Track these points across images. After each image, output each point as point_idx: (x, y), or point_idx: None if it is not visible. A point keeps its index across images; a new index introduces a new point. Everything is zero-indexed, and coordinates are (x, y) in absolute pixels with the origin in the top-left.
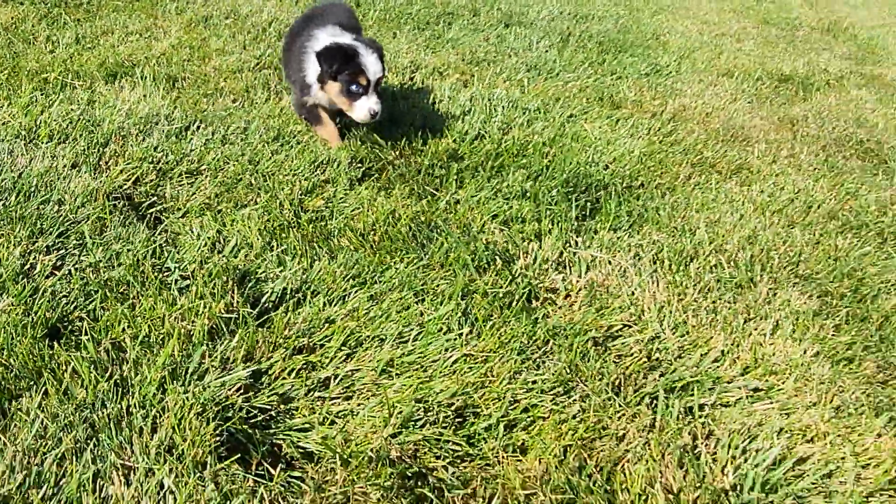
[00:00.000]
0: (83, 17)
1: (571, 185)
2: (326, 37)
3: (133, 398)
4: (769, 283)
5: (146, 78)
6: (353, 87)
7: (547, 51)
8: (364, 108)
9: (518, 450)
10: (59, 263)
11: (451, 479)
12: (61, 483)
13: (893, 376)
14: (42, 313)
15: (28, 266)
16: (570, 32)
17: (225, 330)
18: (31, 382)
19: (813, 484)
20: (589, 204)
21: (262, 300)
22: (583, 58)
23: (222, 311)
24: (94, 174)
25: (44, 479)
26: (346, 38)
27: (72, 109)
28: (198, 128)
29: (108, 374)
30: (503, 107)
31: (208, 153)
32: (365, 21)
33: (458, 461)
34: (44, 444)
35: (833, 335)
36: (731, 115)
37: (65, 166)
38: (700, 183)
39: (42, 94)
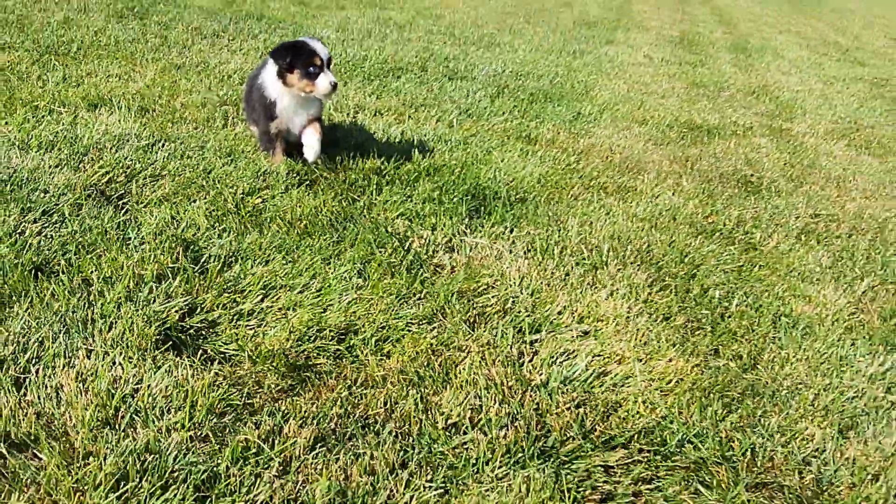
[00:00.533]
0: (70, 62)
1: (471, 195)
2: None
3: (96, 310)
4: (618, 265)
5: (122, 107)
6: (311, 69)
7: (481, 100)
8: (325, 81)
9: (384, 355)
10: (43, 231)
11: (329, 368)
12: (41, 354)
13: (697, 326)
14: (29, 257)
15: (19, 231)
16: (505, 85)
17: (170, 276)
18: (20, 298)
19: (613, 385)
20: (482, 208)
21: (202, 261)
22: (512, 105)
23: (169, 263)
24: (74, 173)
25: (30, 351)
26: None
27: (58, 128)
28: (162, 145)
29: (78, 296)
30: (428, 138)
31: (169, 163)
32: None
33: (338, 360)
34: (30, 332)
35: (657, 300)
36: (633, 152)
37: (50, 166)
38: (585, 199)
39: (33, 117)
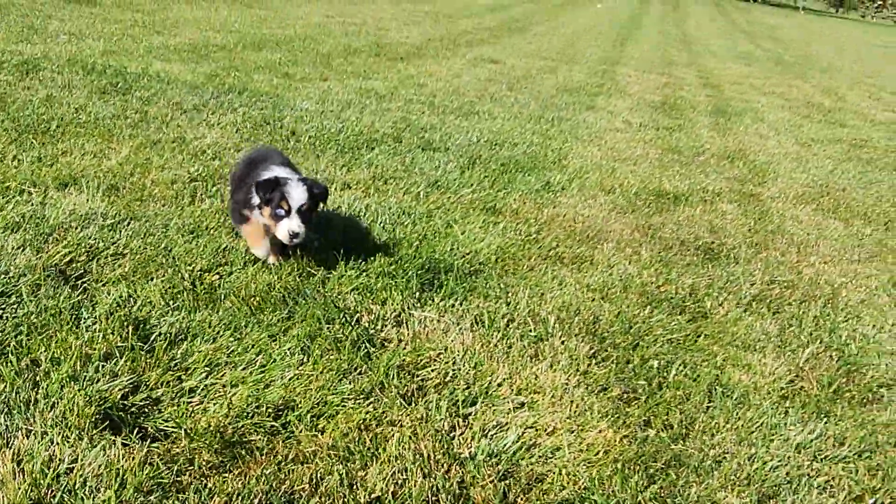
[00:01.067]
0: (48, 140)
1: (425, 268)
2: (281, 171)
3: (40, 391)
4: (563, 336)
5: (91, 186)
6: (278, 211)
7: (451, 171)
8: (284, 227)
9: (318, 431)
10: (1, 313)
11: (262, 445)
12: None
13: (633, 397)
14: None
15: None
16: (478, 155)
17: (118, 355)
18: None
19: (540, 457)
20: (435, 281)
21: (151, 338)
22: (482, 176)
23: (118, 342)
24: (36, 254)
25: None
26: (289, 174)
27: (25, 209)
28: (127, 224)
29: (24, 377)
30: (392, 212)
31: (132, 241)
32: (298, 144)
33: (272, 437)
34: None
35: (597, 371)
36: (596, 221)
37: (13, 247)
38: (540, 269)
39: (3, 197)
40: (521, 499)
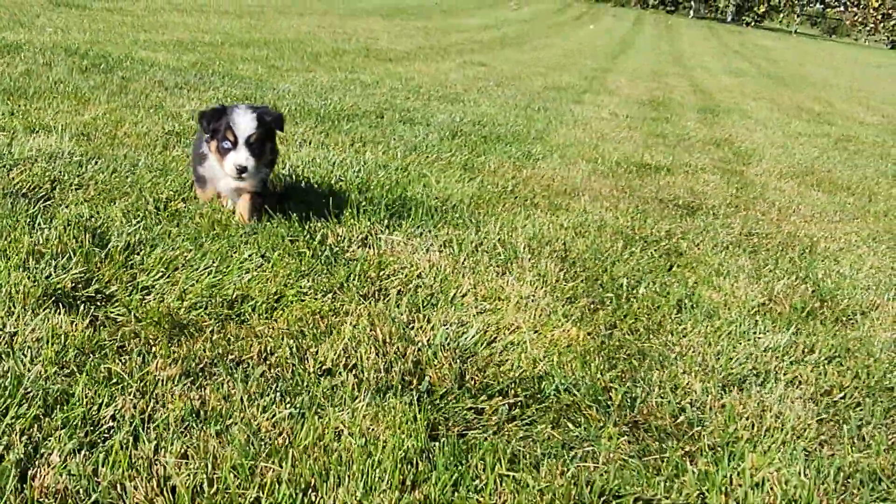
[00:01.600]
0: (23, 101)
1: (398, 204)
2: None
3: None
4: (532, 259)
5: (60, 132)
6: (225, 143)
7: (431, 140)
8: (230, 161)
9: (273, 319)
10: None
11: (214, 328)
12: None
13: (600, 308)
14: None
15: None
16: (461, 131)
17: (72, 254)
18: None
19: (501, 348)
20: (405, 211)
21: (108, 245)
22: (462, 145)
23: (73, 245)
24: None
25: None
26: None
27: None
28: (95, 162)
29: None
30: (368, 165)
31: (98, 175)
32: None
33: (225, 322)
34: None
35: (565, 285)
36: (575, 181)
37: None
38: (513, 211)
39: None
40: (478, 377)
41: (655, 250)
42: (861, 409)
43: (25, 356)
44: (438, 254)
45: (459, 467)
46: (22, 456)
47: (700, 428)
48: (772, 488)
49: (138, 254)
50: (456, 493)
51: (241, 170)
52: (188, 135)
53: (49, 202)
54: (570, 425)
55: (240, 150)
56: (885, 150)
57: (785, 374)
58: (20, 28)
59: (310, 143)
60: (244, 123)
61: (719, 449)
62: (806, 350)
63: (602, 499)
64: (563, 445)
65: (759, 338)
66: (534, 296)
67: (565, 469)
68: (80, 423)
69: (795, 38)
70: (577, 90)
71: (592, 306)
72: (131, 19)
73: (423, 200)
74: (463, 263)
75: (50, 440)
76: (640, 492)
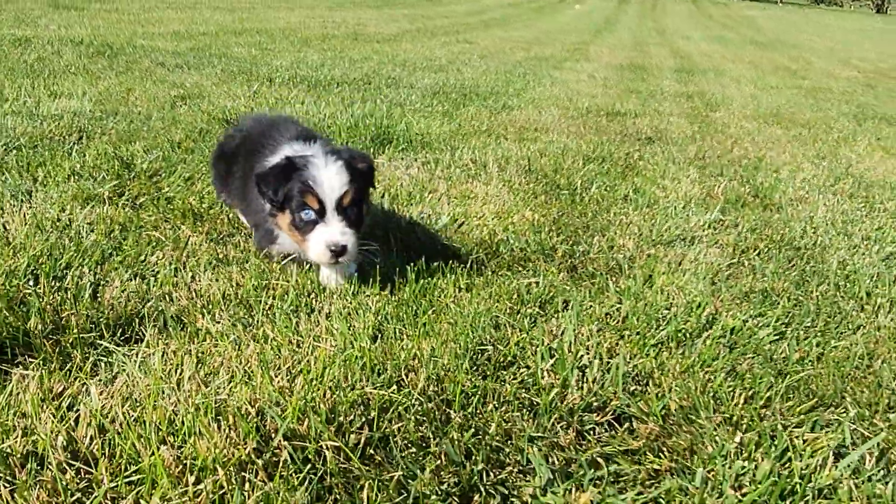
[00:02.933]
0: (39, 80)
1: (382, 137)
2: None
3: (39, 188)
4: (499, 171)
5: (80, 96)
6: (305, 213)
7: (414, 98)
8: (321, 244)
9: None
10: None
11: (228, 217)
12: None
13: (554, 200)
14: None
15: None
16: (442, 90)
17: (105, 173)
18: None
19: (468, 229)
20: (387, 142)
21: (135, 169)
22: (443, 101)
23: (105, 168)
24: (33, 128)
25: None
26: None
27: (22, 107)
28: (113, 117)
29: (24, 179)
30: (353, 115)
31: (118, 126)
32: (272, 85)
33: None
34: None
35: (526, 187)
36: (545, 122)
37: (12, 124)
38: (484, 141)
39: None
40: (446, 244)
41: (612, 165)
42: (770, 260)
43: (81, 232)
44: (417, 170)
45: (428, 285)
46: (92, 281)
47: (627, 269)
48: (675, 296)
49: (160, 175)
50: (423, 299)
51: (339, 252)
52: (193, 98)
53: (80, 145)
54: (519, 268)
55: (330, 221)
56: (852, 97)
57: (709, 239)
58: (25, 26)
59: (303, 103)
60: (332, 181)
61: (638, 276)
62: (731, 225)
63: (537, 300)
64: (512, 277)
65: (690, 217)
66: (498, 195)
67: (511, 282)
68: (131, 263)
69: (781, 7)
70: (558, 59)
71: (548, 200)
72: (128, 17)
73: (405, 135)
74: (438, 175)
75: (111, 274)
76: (567, 296)
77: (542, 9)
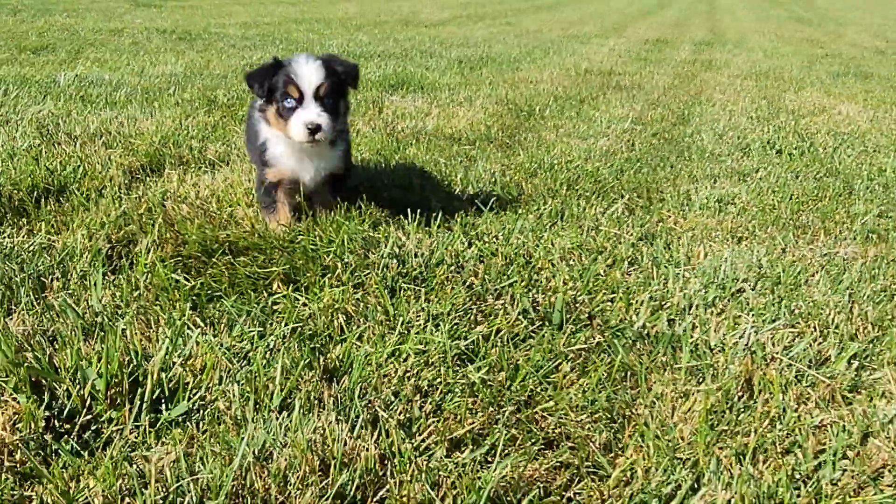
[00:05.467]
0: (140, 56)
1: (399, 83)
2: None
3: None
4: (482, 103)
5: (173, 64)
6: (286, 102)
7: (440, 66)
8: (299, 123)
9: None
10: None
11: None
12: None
13: (513, 118)
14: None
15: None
16: (467, 59)
17: (199, 104)
18: None
19: (446, 132)
20: (403, 86)
21: (218, 100)
22: (465, 66)
23: (199, 101)
24: (137, 80)
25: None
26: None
27: (129, 75)
28: (198, 77)
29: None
30: (379, 74)
31: (203, 82)
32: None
33: None
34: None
35: (494, 110)
36: (542, 79)
37: (130, 79)
38: (480, 86)
39: (111, 69)
40: (428, 135)
41: (573, 103)
42: (647, 147)
43: (189, 128)
44: (420, 102)
45: (406, 156)
46: (200, 145)
47: (536, 147)
48: (561, 156)
49: (235, 106)
50: (399, 153)
51: (314, 129)
52: (256, 64)
53: (178, 90)
54: (467, 145)
55: (308, 105)
56: (853, 61)
57: (615, 137)
58: (115, 20)
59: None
60: (310, 74)
61: (543, 150)
62: (639, 131)
63: (469, 156)
64: (465, 157)
65: (610, 126)
66: (474, 116)
67: (458, 149)
68: (220, 138)
69: None
70: (590, 36)
71: (508, 117)
72: (201, 12)
73: (418, 83)
74: (435, 106)
75: (209, 143)
76: (489, 156)
77: None
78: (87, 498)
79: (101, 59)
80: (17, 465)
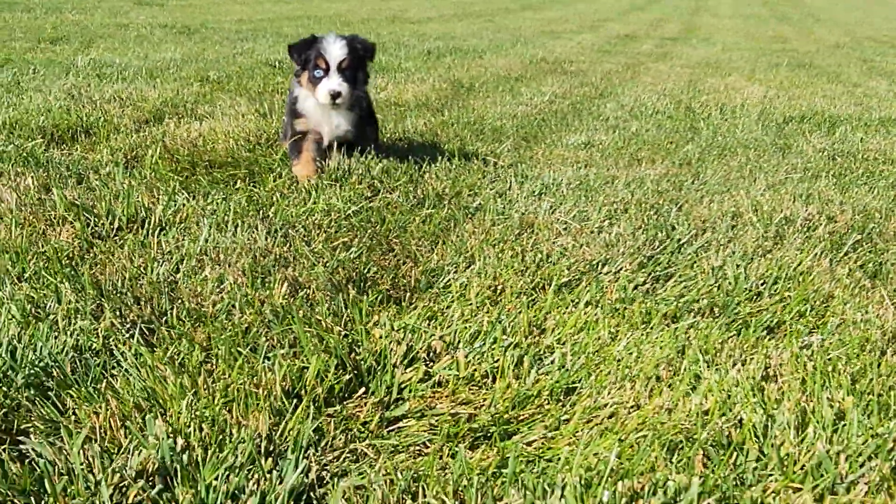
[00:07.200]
0: (145, 47)
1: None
2: None
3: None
4: (434, 83)
5: (174, 51)
6: (316, 72)
7: (409, 52)
8: (324, 89)
9: None
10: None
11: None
12: None
13: (453, 95)
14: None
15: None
16: (437, 49)
17: (193, 84)
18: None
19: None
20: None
21: (210, 78)
22: (434, 56)
23: (194, 80)
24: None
25: None
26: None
27: (132, 59)
28: (195, 61)
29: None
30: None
31: (198, 64)
32: None
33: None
34: None
35: (442, 88)
36: (502, 65)
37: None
38: (439, 70)
39: (114, 52)
40: (381, 103)
41: (510, 82)
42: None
43: (185, 95)
44: (380, 81)
45: None
46: (193, 109)
47: (461, 109)
48: (482, 120)
49: (224, 83)
50: None
51: (336, 95)
52: (247, 53)
53: (175, 71)
54: (410, 110)
55: (332, 76)
56: (804, 55)
57: (534, 105)
58: (121, 17)
59: None
60: (335, 50)
61: (469, 113)
62: (558, 99)
63: (415, 127)
64: (399, 115)
65: (533, 98)
66: (420, 90)
67: (403, 115)
68: (208, 104)
69: None
70: (562, 32)
71: (449, 91)
72: (200, 10)
73: (384, 67)
74: (392, 83)
75: (200, 106)
76: (421, 117)
77: None
78: (121, 262)
79: (111, 48)
80: (74, 253)
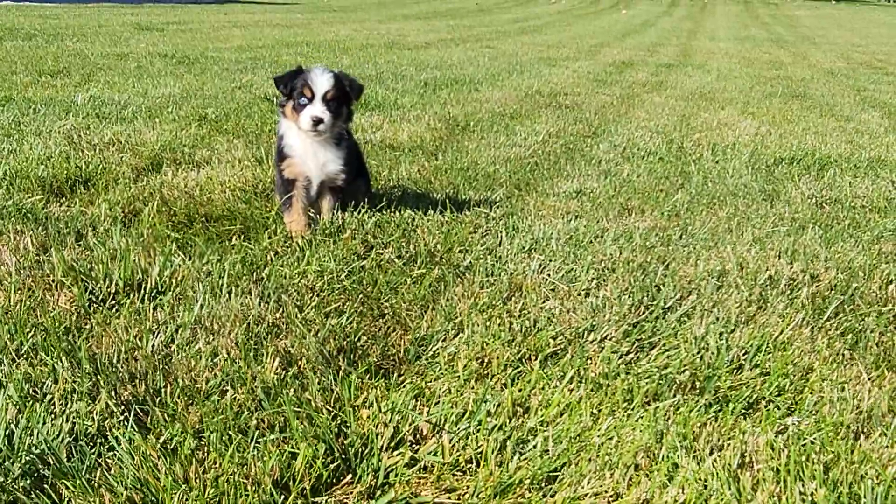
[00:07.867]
0: (144, 80)
1: (363, 102)
2: None
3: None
4: (428, 119)
5: (172, 86)
6: (301, 100)
7: (406, 85)
8: (307, 115)
9: None
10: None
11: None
12: None
13: (448, 135)
14: None
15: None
16: (434, 80)
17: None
18: None
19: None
20: (365, 106)
21: (209, 117)
22: (431, 88)
23: (192, 120)
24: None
25: None
26: None
27: (138, 90)
28: (195, 96)
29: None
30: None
31: (198, 101)
32: None
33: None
34: None
35: (437, 128)
36: (492, 98)
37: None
38: (434, 107)
39: (119, 77)
40: (376, 143)
41: (504, 119)
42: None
43: (182, 138)
44: (376, 118)
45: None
46: (191, 153)
47: (452, 155)
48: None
49: (222, 122)
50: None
51: (318, 121)
52: (246, 87)
53: (175, 109)
54: (405, 153)
55: (316, 103)
56: (800, 83)
57: (527, 143)
58: (121, 44)
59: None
60: (322, 81)
61: (458, 155)
62: (550, 136)
63: (411, 170)
64: (394, 160)
65: (527, 138)
66: (415, 129)
67: (399, 158)
68: (206, 147)
69: (832, 6)
70: (560, 59)
71: (444, 131)
72: (200, 35)
73: (378, 103)
74: (387, 122)
75: (198, 150)
76: (414, 160)
77: (587, 15)
78: (116, 334)
79: (111, 83)
80: (70, 323)
